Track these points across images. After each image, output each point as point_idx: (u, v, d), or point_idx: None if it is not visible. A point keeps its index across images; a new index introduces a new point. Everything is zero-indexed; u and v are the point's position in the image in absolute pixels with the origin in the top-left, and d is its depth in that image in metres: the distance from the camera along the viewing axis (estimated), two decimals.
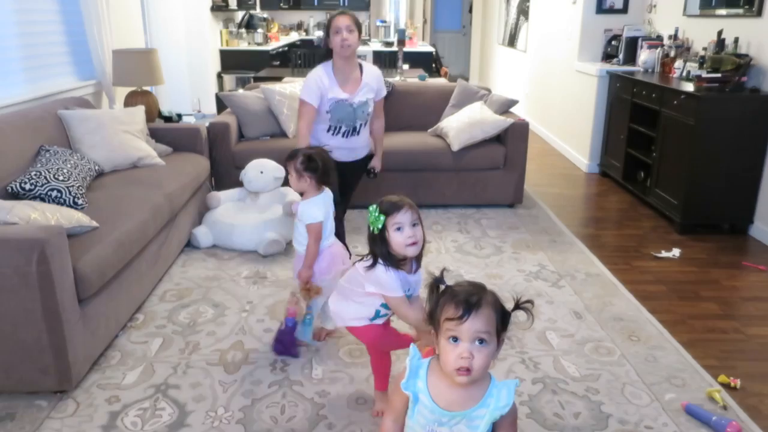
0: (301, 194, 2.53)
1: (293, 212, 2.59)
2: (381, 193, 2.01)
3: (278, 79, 5.41)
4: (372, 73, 3.01)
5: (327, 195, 2.52)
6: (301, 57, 6.90)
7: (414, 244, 1.81)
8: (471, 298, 1.30)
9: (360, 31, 2.83)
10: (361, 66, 2.98)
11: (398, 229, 1.79)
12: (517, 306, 1.36)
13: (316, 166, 2.43)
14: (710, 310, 2.94)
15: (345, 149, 3.01)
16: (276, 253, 3.46)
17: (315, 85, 2.86)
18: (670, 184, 4.06)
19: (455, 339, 1.30)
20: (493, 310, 1.31)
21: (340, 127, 2.95)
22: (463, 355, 1.28)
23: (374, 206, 1.82)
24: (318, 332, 2.61)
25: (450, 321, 1.29)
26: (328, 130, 2.97)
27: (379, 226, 1.80)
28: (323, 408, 2.15)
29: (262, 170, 3.67)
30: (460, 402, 1.36)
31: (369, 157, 3.21)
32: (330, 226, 2.53)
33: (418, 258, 1.91)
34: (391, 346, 2.12)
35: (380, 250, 1.83)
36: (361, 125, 3.00)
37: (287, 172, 2.52)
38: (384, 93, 3.12)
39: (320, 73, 2.88)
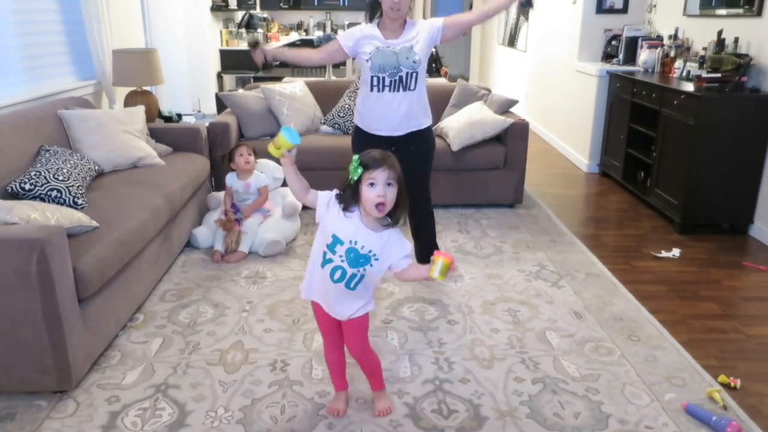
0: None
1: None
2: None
3: (278, 79, 5.41)
4: (419, 22, 2.81)
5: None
6: None
7: (382, 204, 1.79)
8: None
9: None
10: (407, 22, 2.81)
11: (371, 184, 1.79)
12: None
13: None
14: (710, 310, 2.94)
15: (392, 116, 2.79)
16: (276, 253, 3.46)
17: (357, 30, 2.80)
18: (670, 184, 4.06)
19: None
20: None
21: (384, 79, 2.73)
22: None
23: (357, 156, 1.81)
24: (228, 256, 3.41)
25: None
26: (372, 89, 2.76)
27: (355, 178, 1.80)
28: (323, 408, 2.15)
29: (261, 170, 3.67)
30: None
31: (421, 136, 2.86)
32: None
33: (393, 218, 1.87)
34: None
35: (348, 194, 1.84)
36: (408, 76, 2.74)
37: (232, 159, 3.52)
38: (440, 21, 2.78)
39: (364, 25, 2.80)
